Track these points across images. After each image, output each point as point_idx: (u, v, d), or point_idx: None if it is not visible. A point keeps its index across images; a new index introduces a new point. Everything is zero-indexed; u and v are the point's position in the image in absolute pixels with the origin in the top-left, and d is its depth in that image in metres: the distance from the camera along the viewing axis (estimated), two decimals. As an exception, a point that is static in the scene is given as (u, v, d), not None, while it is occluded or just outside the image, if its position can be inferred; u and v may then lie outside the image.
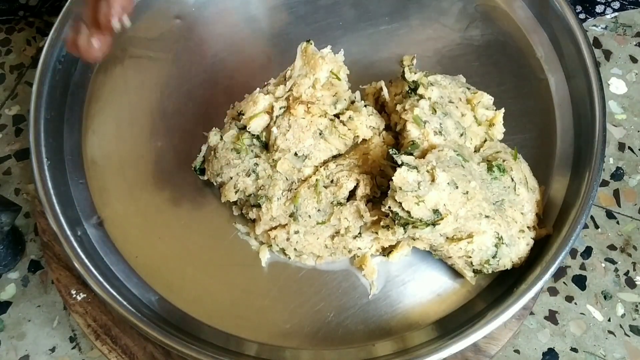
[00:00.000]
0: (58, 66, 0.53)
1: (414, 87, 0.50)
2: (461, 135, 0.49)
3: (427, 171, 0.44)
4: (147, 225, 0.51)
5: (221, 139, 0.50)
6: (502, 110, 0.52)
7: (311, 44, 0.49)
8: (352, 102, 0.50)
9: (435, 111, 0.49)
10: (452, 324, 0.45)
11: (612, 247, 0.61)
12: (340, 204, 0.48)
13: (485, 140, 0.52)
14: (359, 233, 0.48)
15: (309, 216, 0.48)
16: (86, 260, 0.46)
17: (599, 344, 0.57)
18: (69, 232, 0.47)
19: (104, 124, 0.55)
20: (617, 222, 0.62)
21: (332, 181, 0.48)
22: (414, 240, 0.47)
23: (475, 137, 0.51)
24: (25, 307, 0.58)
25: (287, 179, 0.49)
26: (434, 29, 0.58)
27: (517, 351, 0.56)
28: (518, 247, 0.47)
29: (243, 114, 0.49)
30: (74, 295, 0.51)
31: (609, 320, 0.58)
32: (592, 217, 0.63)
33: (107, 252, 0.50)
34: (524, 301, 0.42)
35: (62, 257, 0.52)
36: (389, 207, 0.44)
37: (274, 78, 0.51)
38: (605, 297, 0.59)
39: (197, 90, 0.57)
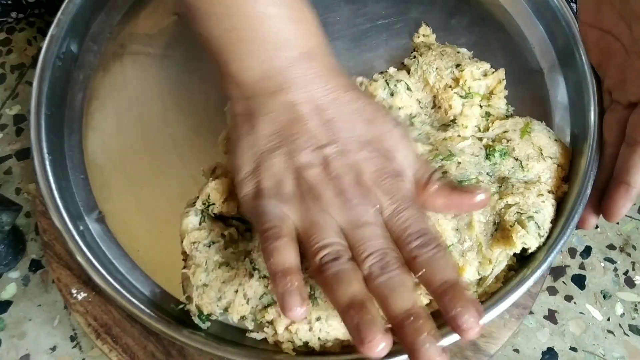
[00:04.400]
0: (58, 63, 0.53)
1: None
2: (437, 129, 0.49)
3: None
4: (148, 219, 0.51)
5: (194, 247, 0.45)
6: (502, 71, 0.50)
7: None
8: None
9: (413, 124, 0.49)
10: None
11: (611, 247, 0.61)
12: None
13: (490, 116, 0.50)
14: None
15: None
16: (89, 255, 0.46)
17: (598, 344, 0.57)
18: (71, 227, 0.47)
19: (105, 120, 0.56)
20: (617, 222, 0.63)
21: None
22: None
23: (468, 120, 0.49)
24: (26, 306, 0.58)
25: None
26: (429, 21, 0.58)
27: (516, 350, 0.57)
28: (547, 210, 0.45)
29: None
30: (75, 295, 0.51)
31: (608, 319, 0.58)
32: (591, 217, 0.63)
33: (109, 247, 0.50)
34: (510, 301, 0.42)
35: (63, 256, 0.52)
36: None
37: None
38: (604, 297, 0.59)
39: (197, 85, 0.57)
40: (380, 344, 0.33)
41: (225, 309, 0.43)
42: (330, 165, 0.39)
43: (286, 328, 0.43)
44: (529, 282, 0.42)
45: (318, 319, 0.42)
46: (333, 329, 0.43)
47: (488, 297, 0.43)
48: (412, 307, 0.34)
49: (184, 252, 0.45)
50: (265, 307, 0.43)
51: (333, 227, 0.38)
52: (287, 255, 0.37)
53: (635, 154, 0.43)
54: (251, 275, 0.43)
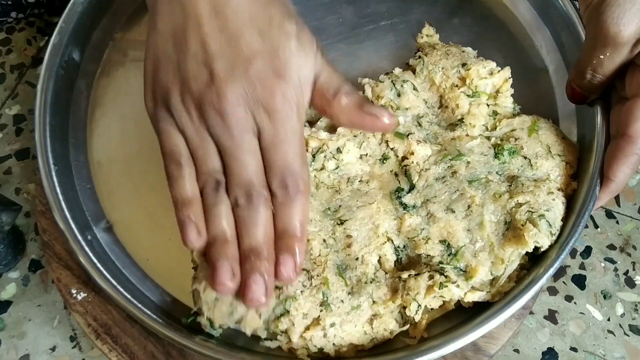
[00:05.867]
0: (61, 72, 0.53)
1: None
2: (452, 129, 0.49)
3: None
4: (156, 227, 0.51)
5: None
6: (507, 69, 0.50)
7: None
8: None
9: (420, 125, 0.49)
10: (449, 322, 0.45)
11: (611, 247, 0.61)
12: (372, 280, 0.44)
13: (497, 114, 0.50)
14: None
15: (342, 301, 0.43)
16: (99, 266, 0.46)
17: (598, 344, 0.57)
18: (80, 237, 0.47)
19: (109, 128, 0.55)
20: (617, 222, 0.63)
21: (356, 259, 0.44)
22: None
23: (476, 119, 0.49)
24: (26, 306, 0.58)
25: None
26: (431, 20, 0.58)
27: (516, 350, 0.57)
28: (557, 208, 0.45)
29: None
30: (75, 295, 0.51)
31: (609, 319, 0.58)
32: (591, 217, 0.63)
33: (118, 256, 0.50)
34: (523, 301, 0.42)
35: (63, 256, 0.52)
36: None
37: None
38: (604, 297, 0.59)
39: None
40: (225, 284, 0.39)
41: (237, 322, 0.43)
42: (215, 82, 0.38)
43: (301, 335, 0.42)
44: (542, 280, 0.42)
45: (332, 324, 0.42)
46: (348, 334, 0.43)
47: (501, 296, 0.43)
48: (256, 245, 0.39)
49: (193, 261, 0.45)
50: (278, 317, 0.42)
51: (213, 151, 0.40)
52: (187, 184, 0.40)
53: (635, 106, 0.42)
54: None
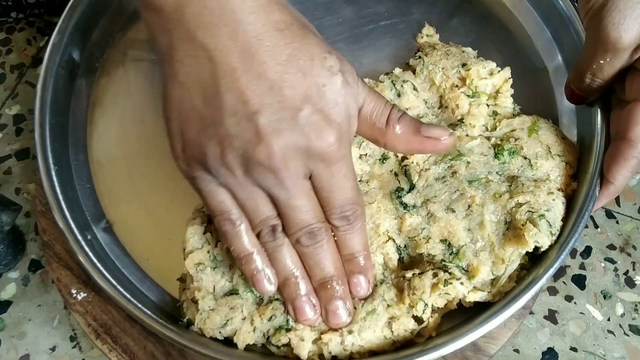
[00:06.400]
0: (61, 71, 0.53)
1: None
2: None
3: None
4: (156, 227, 0.51)
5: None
6: (507, 69, 0.50)
7: None
8: None
9: None
10: (450, 322, 0.45)
11: (611, 247, 0.61)
12: (382, 281, 0.43)
13: (497, 115, 0.50)
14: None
15: (354, 307, 0.42)
16: (99, 265, 0.46)
17: (598, 344, 0.57)
18: (80, 237, 0.47)
19: (109, 128, 0.55)
20: (617, 222, 0.63)
21: None
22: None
23: (476, 120, 0.49)
24: (26, 306, 0.58)
25: None
26: (431, 21, 0.58)
27: (516, 350, 0.57)
28: (558, 208, 0.45)
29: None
30: (74, 295, 0.51)
31: (609, 319, 0.58)
32: (591, 217, 0.63)
33: (118, 256, 0.50)
34: (523, 301, 0.42)
35: (63, 256, 0.52)
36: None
37: None
38: (604, 297, 0.59)
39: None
40: (309, 319, 0.41)
41: (230, 335, 0.42)
42: (262, 139, 0.35)
43: (314, 342, 0.42)
44: (543, 280, 0.42)
45: (350, 332, 0.42)
46: (367, 341, 0.42)
47: (502, 296, 0.43)
48: (330, 275, 0.41)
49: (185, 274, 0.45)
50: (278, 329, 0.42)
51: (263, 201, 0.38)
52: (245, 240, 0.40)
53: (635, 110, 0.42)
54: (261, 301, 0.43)
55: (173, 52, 0.36)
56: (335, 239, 0.41)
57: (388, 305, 0.43)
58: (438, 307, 0.44)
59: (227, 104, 0.35)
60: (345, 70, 0.37)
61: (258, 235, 0.40)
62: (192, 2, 0.35)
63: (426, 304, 0.42)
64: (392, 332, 0.42)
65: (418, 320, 0.43)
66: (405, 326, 0.42)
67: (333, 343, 0.41)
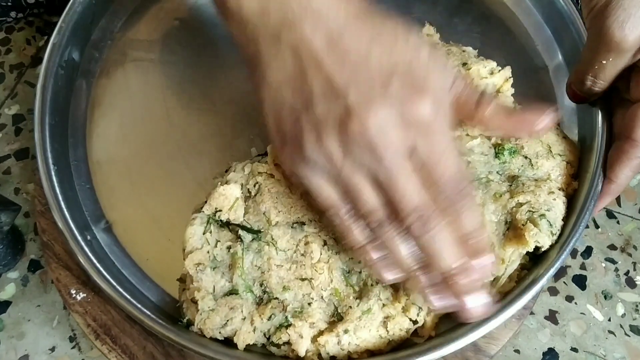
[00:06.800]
0: (60, 71, 0.53)
1: None
2: None
3: None
4: (156, 227, 0.51)
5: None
6: (508, 69, 0.49)
7: None
8: None
9: None
10: (450, 322, 0.45)
11: (612, 247, 0.61)
12: (378, 282, 0.43)
13: None
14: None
15: (350, 307, 0.42)
16: (99, 266, 0.46)
17: (599, 344, 0.57)
18: (79, 238, 0.47)
19: (108, 128, 0.55)
20: (618, 222, 0.62)
21: (359, 261, 0.44)
22: None
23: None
24: (25, 306, 0.58)
25: (299, 268, 0.43)
26: (431, 20, 0.58)
27: (517, 351, 0.56)
28: (558, 208, 0.45)
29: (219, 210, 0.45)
30: (74, 295, 0.51)
31: (609, 320, 0.58)
32: (592, 217, 0.63)
33: (117, 256, 0.50)
34: (524, 301, 0.42)
35: (62, 256, 0.52)
36: None
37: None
38: (605, 297, 0.59)
39: (200, 90, 0.57)
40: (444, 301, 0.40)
41: (230, 335, 0.42)
42: (353, 114, 0.35)
43: (312, 342, 0.42)
44: (543, 281, 0.42)
45: (346, 331, 0.41)
46: (363, 340, 0.42)
47: (502, 296, 0.43)
48: (453, 264, 0.37)
49: (185, 274, 0.44)
50: (278, 327, 0.42)
51: (366, 188, 0.37)
52: (358, 234, 0.39)
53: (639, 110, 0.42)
54: (261, 300, 0.43)
55: (260, 58, 0.37)
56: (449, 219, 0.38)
57: (383, 305, 0.43)
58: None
59: (316, 90, 0.35)
60: (429, 47, 0.37)
61: (368, 227, 0.39)
62: (274, 7, 0.36)
63: (420, 308, 0.42)
64: (387, 331, 0.42)
65: (413, 320, 0.43)
66: (400, 325, 0.42)
67: (330, 344, 0.41)
